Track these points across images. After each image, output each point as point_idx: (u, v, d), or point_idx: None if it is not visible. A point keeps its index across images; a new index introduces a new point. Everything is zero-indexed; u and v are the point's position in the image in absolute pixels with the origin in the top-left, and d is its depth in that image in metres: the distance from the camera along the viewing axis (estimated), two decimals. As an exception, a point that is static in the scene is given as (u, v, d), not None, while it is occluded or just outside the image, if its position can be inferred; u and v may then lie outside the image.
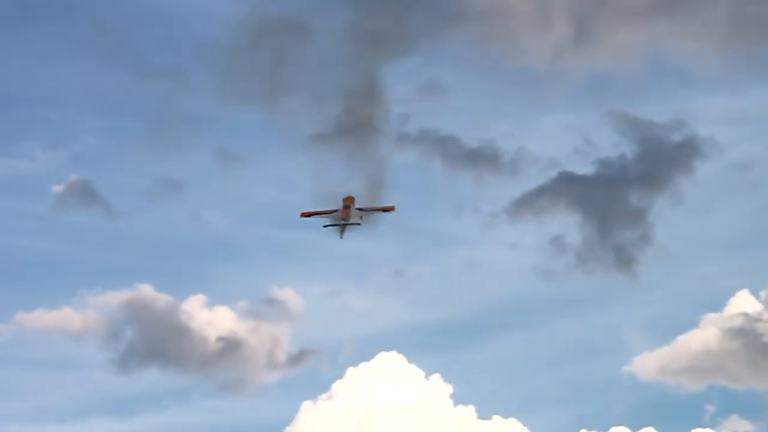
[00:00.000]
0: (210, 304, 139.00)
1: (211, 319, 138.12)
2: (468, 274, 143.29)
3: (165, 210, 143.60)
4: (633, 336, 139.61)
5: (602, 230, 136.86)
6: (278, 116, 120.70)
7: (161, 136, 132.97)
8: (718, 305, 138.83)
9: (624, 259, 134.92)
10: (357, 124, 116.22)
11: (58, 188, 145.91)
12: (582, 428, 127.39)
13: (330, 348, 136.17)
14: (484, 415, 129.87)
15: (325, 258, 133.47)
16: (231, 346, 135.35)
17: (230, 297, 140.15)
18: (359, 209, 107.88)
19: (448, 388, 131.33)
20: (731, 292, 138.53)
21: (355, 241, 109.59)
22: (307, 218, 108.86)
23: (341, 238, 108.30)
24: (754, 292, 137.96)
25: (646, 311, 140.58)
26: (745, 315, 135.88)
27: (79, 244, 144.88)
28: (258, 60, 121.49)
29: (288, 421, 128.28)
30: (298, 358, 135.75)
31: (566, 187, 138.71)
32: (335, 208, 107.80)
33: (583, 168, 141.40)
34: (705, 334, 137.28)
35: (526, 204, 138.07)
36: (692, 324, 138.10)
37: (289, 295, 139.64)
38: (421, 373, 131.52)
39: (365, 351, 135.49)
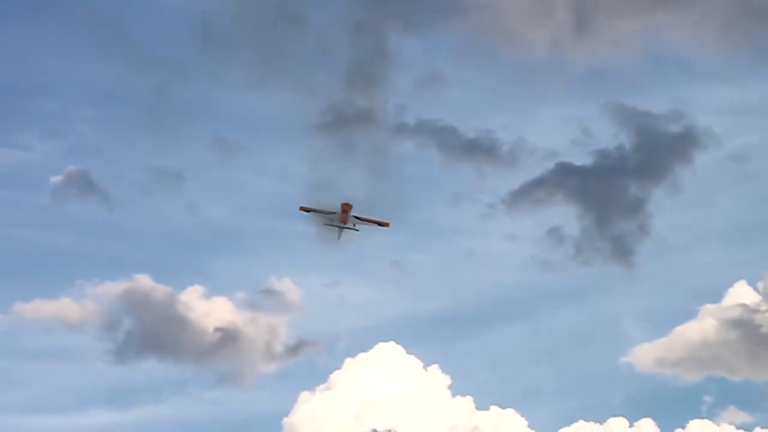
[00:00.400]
0: (208, 295, 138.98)
1: (209, 309, 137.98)
2: (466, 265, 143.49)
3: (163, 200, 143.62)
4: (631, 327, 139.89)
5: (600, 221, 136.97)
6: (276, 106, 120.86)
7: (159, 126, 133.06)
8: (716, 296, 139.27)
9: (622, 250, 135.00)
10: (356, 115, 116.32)
11: (56, 179, 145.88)
12: (580, 419, 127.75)
13: (328, 339, 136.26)
14: (482, 405, 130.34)
15: (323, 249, 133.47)
16: (229, 337, 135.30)
17: (228, 288, 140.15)
18: (356, 217, 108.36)
19: (447, 379, 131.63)
20: (729, 283, 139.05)
21: (352, 232, 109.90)
22: (306, 212, 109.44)
23: (338, 239, 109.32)
24: (752, 283, 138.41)
25: (644, 302, 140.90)
26: (743, 306, 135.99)
27: (77, 235, 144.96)
28: (256, 50, 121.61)
29: (286, 412, 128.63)
30: (296, 348, 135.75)
31: (565, 178, 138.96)
32: (334, 211, 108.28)
33: (582, 159, 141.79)
34: (703, 325, 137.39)
35: (525, 195, 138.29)
36: (690, 315, 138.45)
37: (287, 286, 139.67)
38: (419, 364, 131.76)
39: (363, 342, 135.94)
